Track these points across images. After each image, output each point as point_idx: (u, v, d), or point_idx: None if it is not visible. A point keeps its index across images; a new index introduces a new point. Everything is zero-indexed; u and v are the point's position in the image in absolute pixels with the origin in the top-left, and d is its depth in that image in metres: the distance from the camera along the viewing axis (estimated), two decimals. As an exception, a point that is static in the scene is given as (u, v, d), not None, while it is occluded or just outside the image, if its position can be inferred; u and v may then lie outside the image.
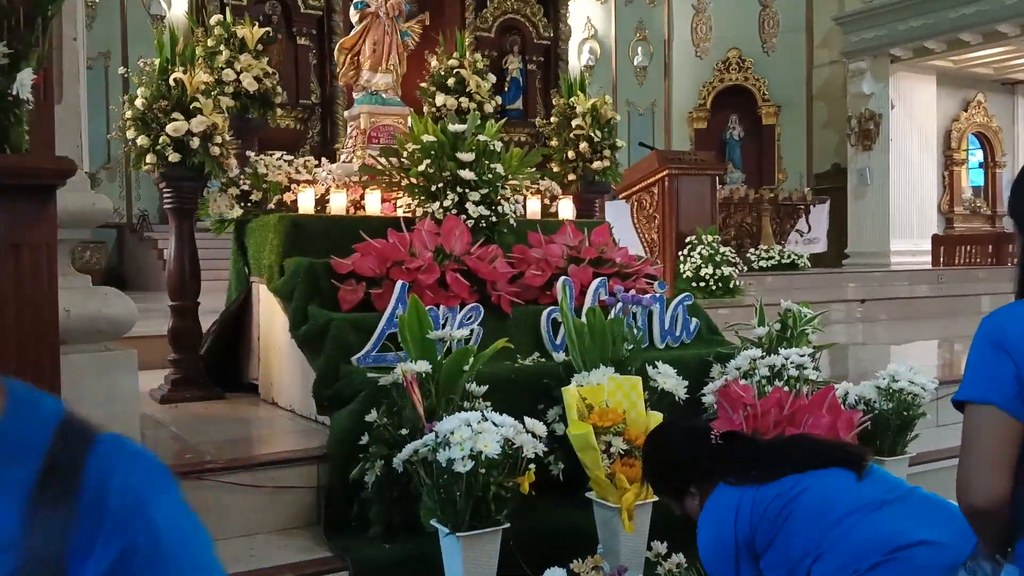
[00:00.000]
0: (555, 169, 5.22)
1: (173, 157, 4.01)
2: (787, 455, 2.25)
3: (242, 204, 4.34)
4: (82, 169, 2.75)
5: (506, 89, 12.66)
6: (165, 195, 4.27)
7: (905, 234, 14.41)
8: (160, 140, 4.00)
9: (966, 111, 16.00)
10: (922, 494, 2.16)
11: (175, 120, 4.01)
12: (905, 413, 3.42)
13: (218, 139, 4.12)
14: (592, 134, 5.09)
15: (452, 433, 2.56)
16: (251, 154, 4.46)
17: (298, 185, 4.34)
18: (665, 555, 2.79)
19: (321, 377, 3.46)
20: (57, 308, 2.34)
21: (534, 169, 4.66)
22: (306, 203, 4.25)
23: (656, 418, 3.10)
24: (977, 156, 16.62)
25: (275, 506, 3.13)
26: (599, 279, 3.97)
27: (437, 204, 4.06)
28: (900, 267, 12.48)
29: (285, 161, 4.48)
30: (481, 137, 4.14)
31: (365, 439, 2.99)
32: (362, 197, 4.45)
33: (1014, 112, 16.83)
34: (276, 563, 2.85)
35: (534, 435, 2.70)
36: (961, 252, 13.69)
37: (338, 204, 4.32)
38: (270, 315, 4.16)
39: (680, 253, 8.38)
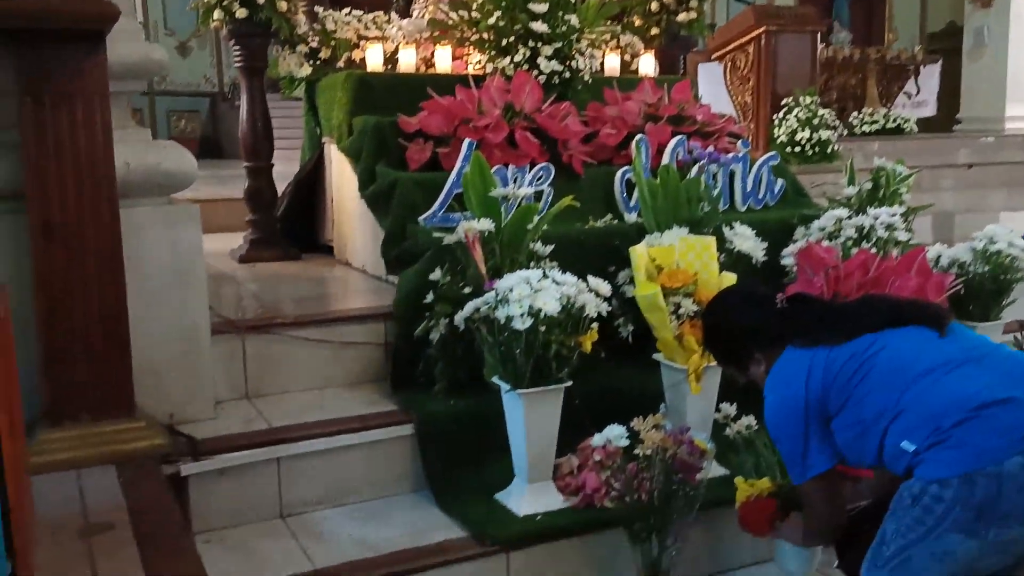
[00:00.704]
0: (637, 23, 4.93)
1: (240, 12, 3.94)
2: (861, 315, 2.12)
3: (311, 62, 4.26)
4: (134, 19, 2.69)
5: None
6: (234, 53, 4.23)
7: (1023, 99, 13.40)
8: (227, -5, 3.93)
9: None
10: (1007, 352, 2.02)
11: (241, -26, 3.92)
12: (1002, 277, 3.20)
13: (285, -6, 4.01)
14: (677, -17, 4.77)
15: (511, 291, 2.50)
16: (319, 10, 4.34)
17: (367, 42, 4.21)
18: (735, 417, 2.72)
19: (389, 237, 3.44)
20: (113, 160, 2.33)
21: (613, 22, 4.41)
22: (375, 60, 4.14)
23: (730, 280, 2.97)
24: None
25: (344, 361, 3.18)
26: (678, 138, 3.78)
27: (508, 59, 3.90)
28: (1016, 133, 11.66)
29: (354, 17, 4.35)
30: (555, -14, 3.91)
31: (430, 298, 2.97)
32: (432, 54, 4.30)
33: None
34: (345, 414, 2.91)
35: (597, 294, 2.62)
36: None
37: (407, 61, 4.19)
38: (341, 175, 4.13)
39: (775, 116, 7.98)
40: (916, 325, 2.05)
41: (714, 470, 2.74)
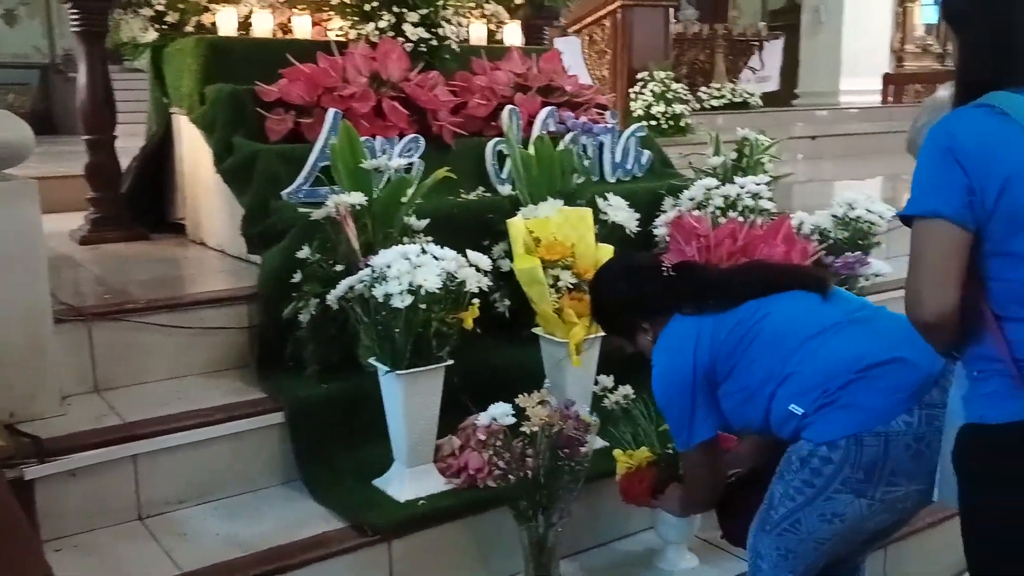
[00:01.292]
0: (501, -8, 4.84)
1: (76, -28, 3.61)
2: (746, 282, 2.14)
3: (157, 26, 3.95)
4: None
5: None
6: (71, 17, 3.87)
7: (856, 73, 14.15)
8: (59, -47, 3.58)
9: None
10: (888, 314, 2.07)
11: (74, -70, 3.58)
12: (860, 242, 3.32)
13: (125, -48, 3.70)
14: (540, -48, 4.71)
15: (389, 267, 2.38)
16: (164, -30, 4.03)
17: (218, 5, 3.94)
18: (612, 388, 2.70)
19: (249, 213, 3.24)
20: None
21: (478, -10, 4.31)
22: (227, 25, 3.88)
23: (606, 251, 2.95)
24: (932, -7, 16.24)
25: (204, 348, 2.97)
26: (548, 108, 3.73)
27: (372, 26, 3.73)
28: (850, 105, 12.32)
29: (203, -22, 4.06)
30: (419, -50, 3.77)
31: (298, 277, 2.81)
32: (289, 20, 4.08)
33: (973, -54, 16.33)
34: (207, 404, 2.72)
35: (478, 269, 2.54)
36: (911, 92, 13.55)
37: (262, 26, 3.95)
38: (193, 148, 3.86)
39: (631, 90, 8.10)
40: (799, 290, 2.07)
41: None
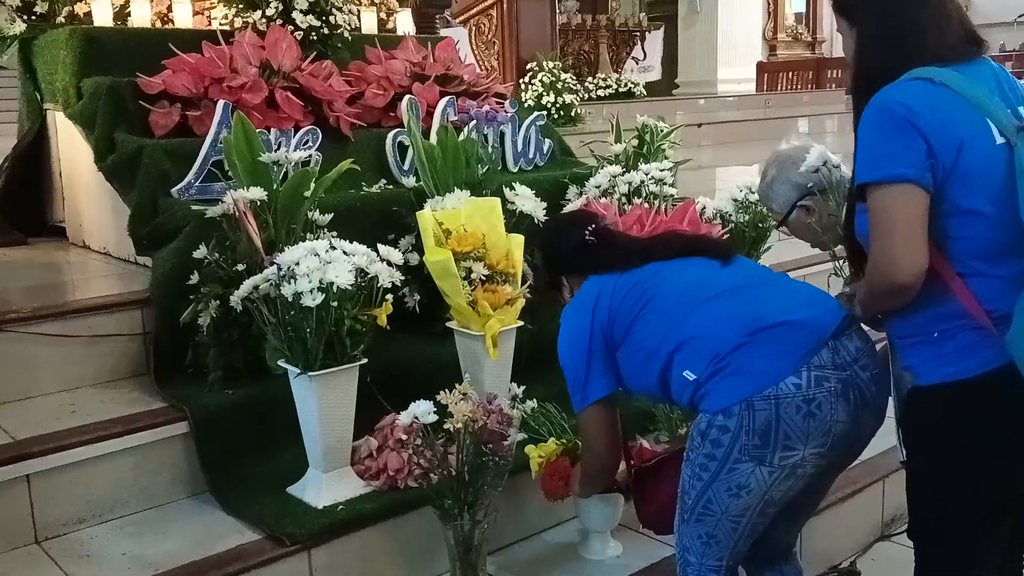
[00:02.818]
0: (390, -21, 4.73)
1: (-72, -43, 3.32)
2: (651, 246, 2.19)
3: (25, 17, 3.69)
4: None
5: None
6: (-76, 6, 3.57)
7: (732, 62, 14.56)
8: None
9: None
10: (787, 280, 2.11)
11: (-76, -89, 3.30)
12: (760, 225, 3.39)
13: (-16, -64, 3.43)
14: (429, -61, 4.62)
15: (298, 264, 2.27)
16: (29, -44, 3.76)
17: (91, -7, 3.71)
18: (522, 398, 2.68)
19: (136, 213, 3.05)
20: None
21: (367, -23, 4.19)
22: (102, 15, 3.65)
23: (517, 241, 2.90)
24: (800, -17, 16.85)
25: (96, 357, 2.79)
26: (447, 98, 3.66)
27: (259, 13, 3.58)
28: (727, 94, 12.66)
29: (73, -35, 3.81)
30: (305, -65, 3.63)
31: (195, 278, 2.66)
32: (169, 9, 3.87)
33: (836, -62, 17.03)
34: (103, 417, 2.54)
35: (389, 263, 2.45)
36: (783, 80, 14.04)
37: (140, 16, 3.74)
38: (71, 146, 3.62)
39: (521, 81, 8.10)
40: (703, 256, 2.09)
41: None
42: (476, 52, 8.38)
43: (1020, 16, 14.30)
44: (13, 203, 3.86)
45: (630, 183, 3.36)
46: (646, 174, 3.36)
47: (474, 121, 3.47)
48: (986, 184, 1.54)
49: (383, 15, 4.48)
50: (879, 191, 1.55)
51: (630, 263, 2.10)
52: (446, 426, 2.23)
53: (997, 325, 1.54)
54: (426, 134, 3.34)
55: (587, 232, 2.24)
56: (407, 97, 3.54)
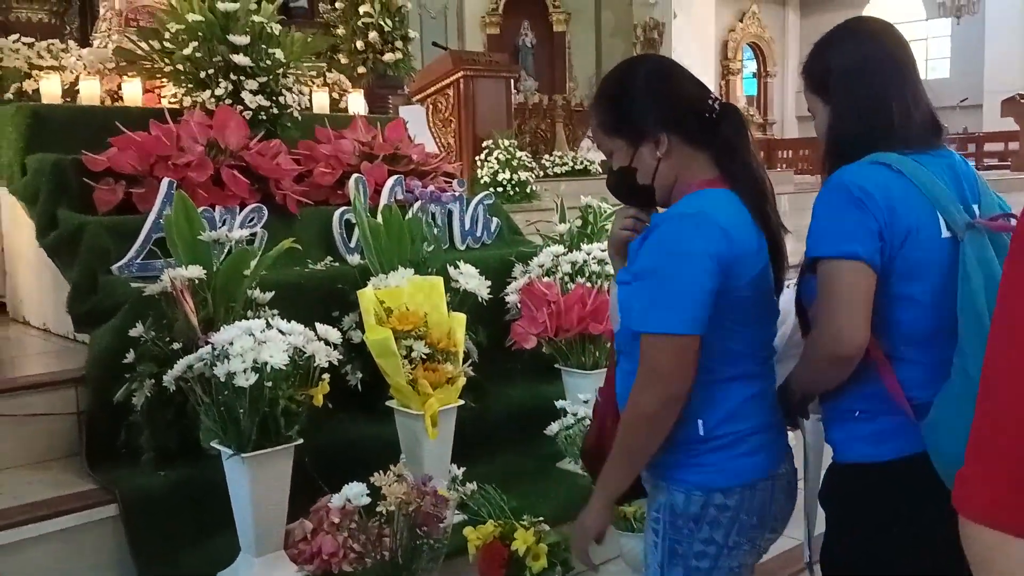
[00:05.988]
0: (343, 61, 4.83)
1: None
2: None
3: (-29, 94, 3.70)
4: None
5: (289, -16, 11.81)
6: None
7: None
8: None
9: (741, 22, 16.67)
10: None
11: None
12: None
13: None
14: (382, 23, 4.73)
15: (231, 344, 2.26)
16: (-21, 35, 3.79)
17: (41, 72, 3.73)
18: (462, 480, 2.65)
19: (76, 289, 3.02)
20: None
21: (320, 58, 4.26)
22: (51, 92, 3.68)
23: (459, 320, 2.92)
24: (751, 66, 17.43)
25: (26, 437, 2.74)
26: (395, 177, 3.71)
27: (208, 93, 3.61)
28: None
29: (24, 44, 3.84)
30: (257, 18, 3.70)
31: (131, 357, 2.63)
32: (119, 87, 3.90)
33: (784, 23, 17.73)
34: (30, 499, 2.49)
35: (327, 342, 2.45)
36: (737, 159, 14.35)
37: (90, 93, 3.76)
38: (14, 221, 3.60)
39: (477, 158, 8.21)
40: None
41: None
42: (433, 129, 8.50)
43: (963, 100, 14.90)
44: (-49, 278, 3.81)
45: (573, 263, 3.40)
46: (588, 254, 3.40)
47: (420, 200, 3.51)
48: (926, 274, 1.58)
49: (335, 95, 4.55)
50: (829, 265, 1.57)
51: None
52: (379, 508, 2.20)
53: (917, 413, 1.57)
54: (374, 212, 3.36)
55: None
56: (355, 176, 3.57)
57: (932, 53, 18.27)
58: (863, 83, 1.66)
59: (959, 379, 1.48)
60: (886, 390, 1.59)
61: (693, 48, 15.19)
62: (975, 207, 1.63)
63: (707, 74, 15.66)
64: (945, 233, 1.59)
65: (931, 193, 1.59)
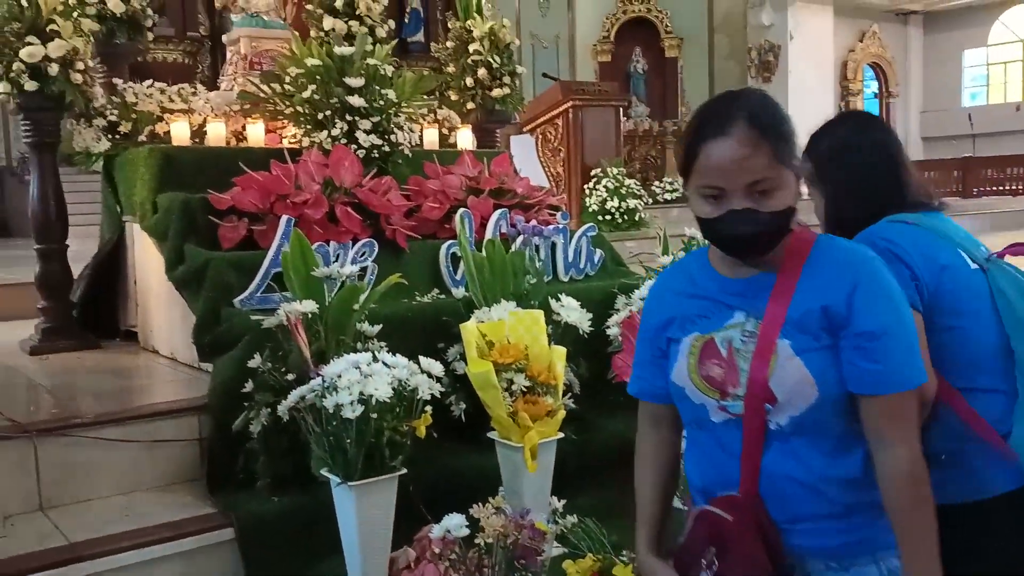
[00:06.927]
0: (453, 97, 4.97)
1: (29, 85, 3.63)
2: None
3: (110, 136, 3.99)
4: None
5: (406, 20, 12.21)
6: (23, 128, 3.89)
7: (805, 164, 14.58)
8: (14, 67, 3.61)
9: (861, 41, 16.24)
10: None
11: (30, 44, 3.62)
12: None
13: (80, 65, 3.73)
14: (491, 59, 4.85)
15: (339, 377, 2.36)
16: (119, 82, 4.08)
17: (172, 115, 3.99)
18: (563, 513, 2.68)
19: (201, 321, 3.20)
20: None
21: (430, 97, 4.41)
22: (180, 134, 3.93)
23: (559, 353, 2.96)
24: (872, 87, 16.93)
25: (153, 462, 2.90)
26: (500, 211, 3.79)
27: (324, 133, 3.79)
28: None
29: (157, 89, 4.12)
30: (371, 61, 3.87)
31: (249, 386, 2.77)
32: (243, 128, 4.14)
33: (907, 42, 17.16)
34: (154, 521, 2.64)
35: (430, 375, 2.52)
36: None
37: (216, 135, 4.00)
38: (145, 256, 3.85)
39: (586, 186, 8.27)
40: None
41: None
42: (542, 159, 8.61)
43: None
44: (90, 309, 4.11)
45: (677, 295, 3.38)
46: (692, 286, 3.38)
47: (523, 234, 3.58)
48: (967, 303, 1.67)
49: (445, 130, 4.69)
50: None
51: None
52: (476, 541, 2.25)
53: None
54: (480, 246, 3.45)
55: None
56: (461, 210, 3.68)
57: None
58: (853, 170, 1.79)
59: None
60: (965, 423, 1.63)
61: (810, 70, 14.91)
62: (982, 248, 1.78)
63: (826, 95, 15.33)
64: (972, 266, 1.72)
65: (948, 236, 1.73)
